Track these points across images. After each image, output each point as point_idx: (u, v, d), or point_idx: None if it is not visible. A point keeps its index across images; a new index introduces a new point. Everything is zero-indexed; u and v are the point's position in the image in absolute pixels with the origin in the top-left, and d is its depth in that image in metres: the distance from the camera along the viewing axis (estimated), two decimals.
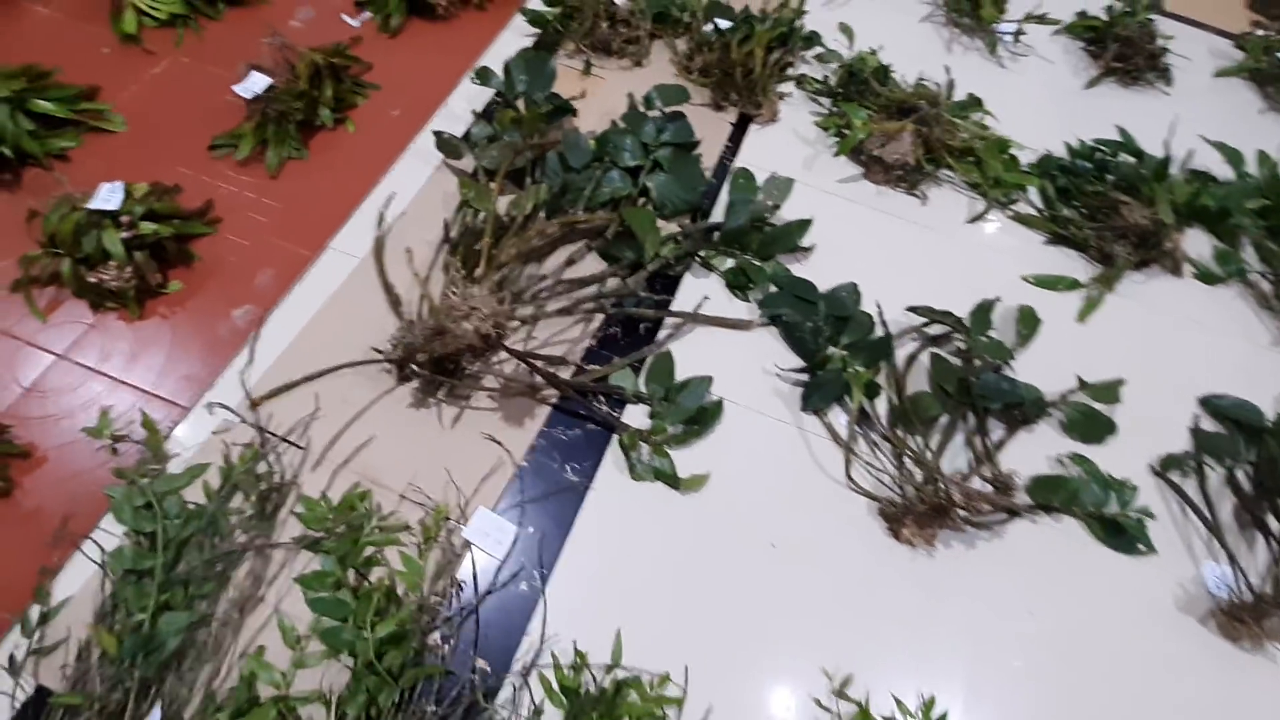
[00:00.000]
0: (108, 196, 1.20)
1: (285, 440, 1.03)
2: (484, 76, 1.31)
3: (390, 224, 1.28)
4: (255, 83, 1.42)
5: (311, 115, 1.46)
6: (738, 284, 1.26)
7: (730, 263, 1.28)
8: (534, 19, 1.60)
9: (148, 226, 1.22)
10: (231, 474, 0.97)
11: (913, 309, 1.25)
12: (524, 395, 1.10)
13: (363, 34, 1.66)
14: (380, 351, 1.01)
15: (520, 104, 1.33)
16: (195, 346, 1.19)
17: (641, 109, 1.38)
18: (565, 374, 1.12)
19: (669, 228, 1.30)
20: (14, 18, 1.60)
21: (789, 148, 1.50)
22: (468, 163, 1.35)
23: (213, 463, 0.99)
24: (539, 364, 1.03)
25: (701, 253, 1.28)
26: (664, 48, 1.63)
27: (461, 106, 1.49)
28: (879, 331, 1.22)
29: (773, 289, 1.24)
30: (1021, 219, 1.45)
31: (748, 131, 1.51)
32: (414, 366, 0.99)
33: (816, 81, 1.60)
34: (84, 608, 0.87)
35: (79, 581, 0.90)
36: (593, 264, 1.26)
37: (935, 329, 1.23)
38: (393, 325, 1.12)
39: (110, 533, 0.95)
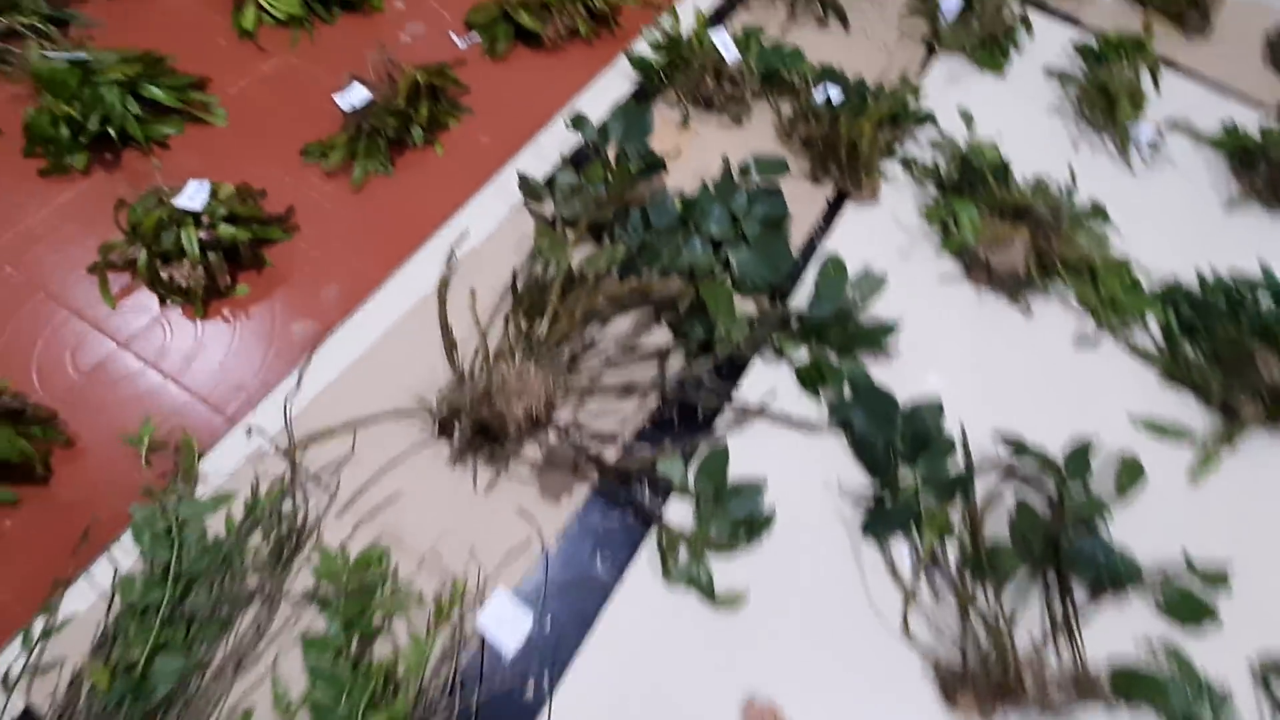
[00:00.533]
0: (193, 195, 1.21)
1: (315, 481, 0.99)
2: (578, 124, 1.26)
3: (459, 261, 1.24)
4: (355, 95, 1.41)
5: (404, 133, 1.45)
6: (810, 379, 1.16)
7: (804, 352, 1.19)
8: (639, 64, 1.56)
9: (226, 229, 1.22)
10: (256, 508, 0.94)
11: (1004, 439, 1.13)
12: (565, 470, 1.03)
13: (467, 56, 1.65)
14: (428, 408, 0.96)
15: (611, 153, 1.27)
16: (251, 356, 1.18)
17: (736, 177, 1.31)
18: (612, 453, 1.05)
19: (746, 304, 1.22)
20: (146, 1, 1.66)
21: (886, 233, 1.40)
22: (548, 207, 1.31)
23: (239, 491, 0.96)
24: (585, 444, 0.97)
25: (775, 336, 1.19)
26: (767, 109, 1.56)
27: (551, 147, 1.45)
28: (959, 454, 1.10)
29: (847, 393, 1.14)
30: (1137, 351, 1.30)
31: (843, 209, 1.42)
32: (457, 426, 0.94)
33: (925, 167, 1.49)
34: (88, 626, 0.85)
35: (90, 597, 0.88)
36: (658, 332, 1.20)
37: (1024, 463, 1.11)
38: (444, 371, 1.07)
39: (128, 550, 0.93)
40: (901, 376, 1.18)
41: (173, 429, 1.07)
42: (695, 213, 1.23)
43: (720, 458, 1.05)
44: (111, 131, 1.36)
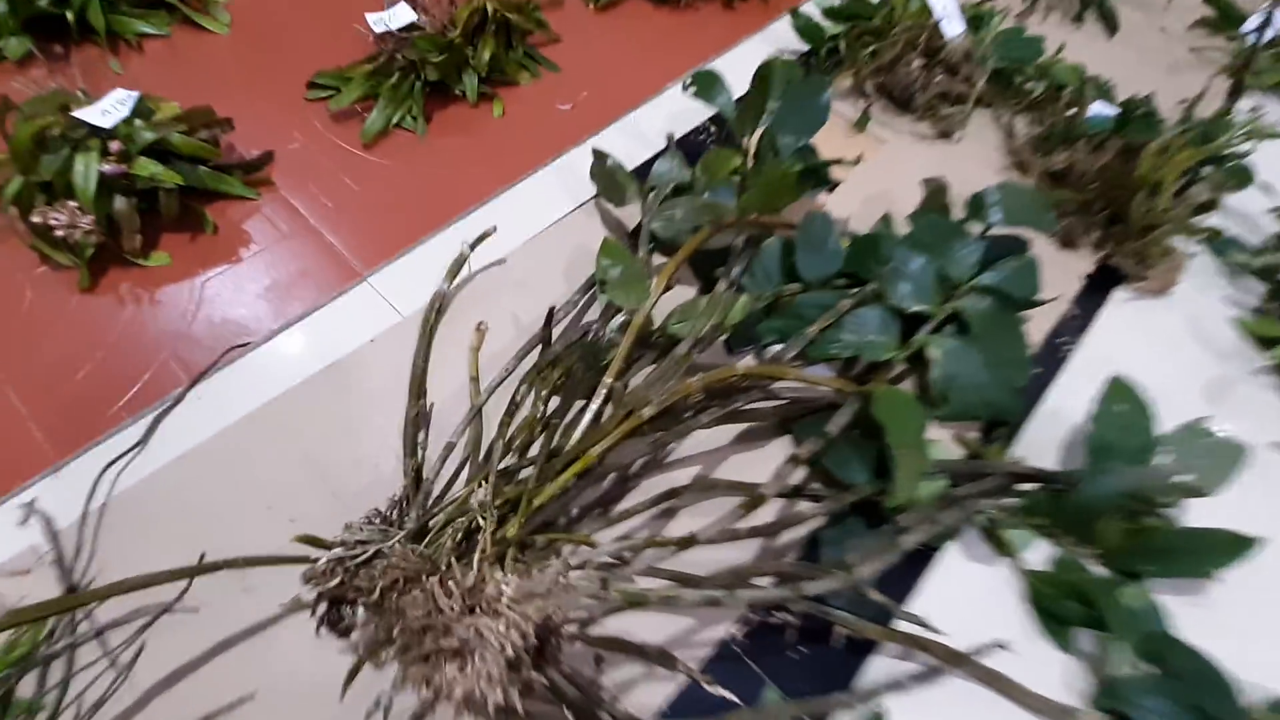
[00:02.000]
0: (109, 109, 0.79)
1: (107, 635, 0.52)
2: (705, 85, 0.76)
3: (470, 276, 0.77)
4: (395, 16, 0.98)
5: (450, 77, 1.01)
6: (1058, 613, 0.61)
7: (1043, 548, 0.64)
8: (806, 29, 1.05)
9: (146, 166, 0.80)
10: None
11: None
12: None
13: None
14: (311, 562, 0.46)
15: (751, 145, 0.77)
16: (124, 366, 0.75)
17: (961, 212, 0.76)
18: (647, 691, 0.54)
19: (940, 442, 0.69)
20: None
21: (1181, 349, 0.83)
22: (630, 214, 0.82)
23: None
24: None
25: (989, 510, 0.65)
26: (989, 123, 1.03)
27: (655, 124, 0.97)
28: None
29: (1129, 658, 0.58)
30: None
31: (1109, 296, 0.87)
32: (354, 611, 0.45)
33: (1244, 250, 0.92)
34: None
35: None
36: (768, 456, 0.68)
37: None
38: (393, 473, 0.60)
39: None
40: (1227, 628, 0.61)
41: None
42: (874, 263, 0.70)
43: None
44: (69, 15, 0.98)
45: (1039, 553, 0.65)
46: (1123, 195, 0.86)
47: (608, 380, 0.56)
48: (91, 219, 0.78)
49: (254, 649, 0.54)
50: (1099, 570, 0.63)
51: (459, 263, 0.74)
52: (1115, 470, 0.62)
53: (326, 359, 0.71)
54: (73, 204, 0.77)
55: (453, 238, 0.82)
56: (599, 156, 0.80)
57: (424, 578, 0.43)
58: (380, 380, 0.68)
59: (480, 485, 0.47)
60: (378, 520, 0.48)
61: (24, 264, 0.81)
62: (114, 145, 0.78)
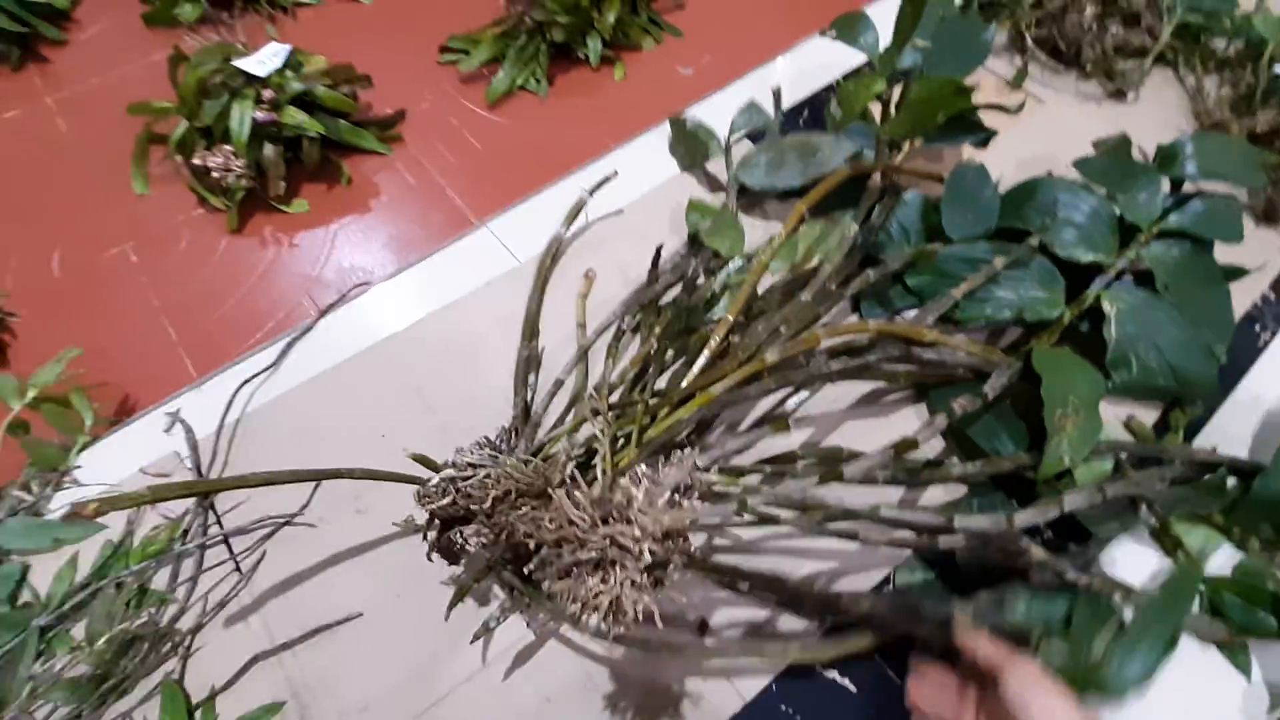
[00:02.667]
0: (265, 59, 0.84)
1: (225, 544, 0.55)
2: (847, 26, 0.70)
3: (587, 224, 0.75)
4: None
5: (574, 40, 1.01)
6: (1247, 623, 0.51)
7: (1231, 555, 0.54)
8: None
9: (294, 115, 0.84)
10: (109, 565, 0.51)
11: None
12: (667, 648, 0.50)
13: None
14: (422, 483, 0.45)
15: (894, 93, 0.70)
16: (263, 302, 0.79)
17: (1140, 158, 0.66)
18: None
19: (1109, 422, 0.60)
20: None
21: None
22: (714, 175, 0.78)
23: (110, 524, 0.55)
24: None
25: (1155, 502, 0.55)
26: (1168, 84, 0.90)
27: (783, 79, 0.92)
28: None
29: None
30: None
31: None
32: (463, 538, 0.44)
33: None
34: None
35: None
36: (891, 425, 0.61)
37: None
38: (504, 400, 0.59)
39: None
40: None
41: (107, 378, 0.70)
42: (1034, 211, 0.62)
43: None
44: None
45: (1222, 559, 0.55)
46: None
47: (729, 316, 0.52)
48: (243, 163, 0.83)
49: (364, 567, 0.54)
50: None
51: (577, 207, 0.73)
52: None
53: (444, 299, 0.71)
54: (228, 148, 0.83)
55: (570, 188, 0.81)
56: (676, 124, 0.76)
57: (550, 490, 0.41)
58: (493, 323, 0.68)
59: (593, 415, 0.45)
60: (487, 447, 0.46)
61: (184, 205, 0.88)
62: (267, 93, 0.83)
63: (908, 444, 0.50)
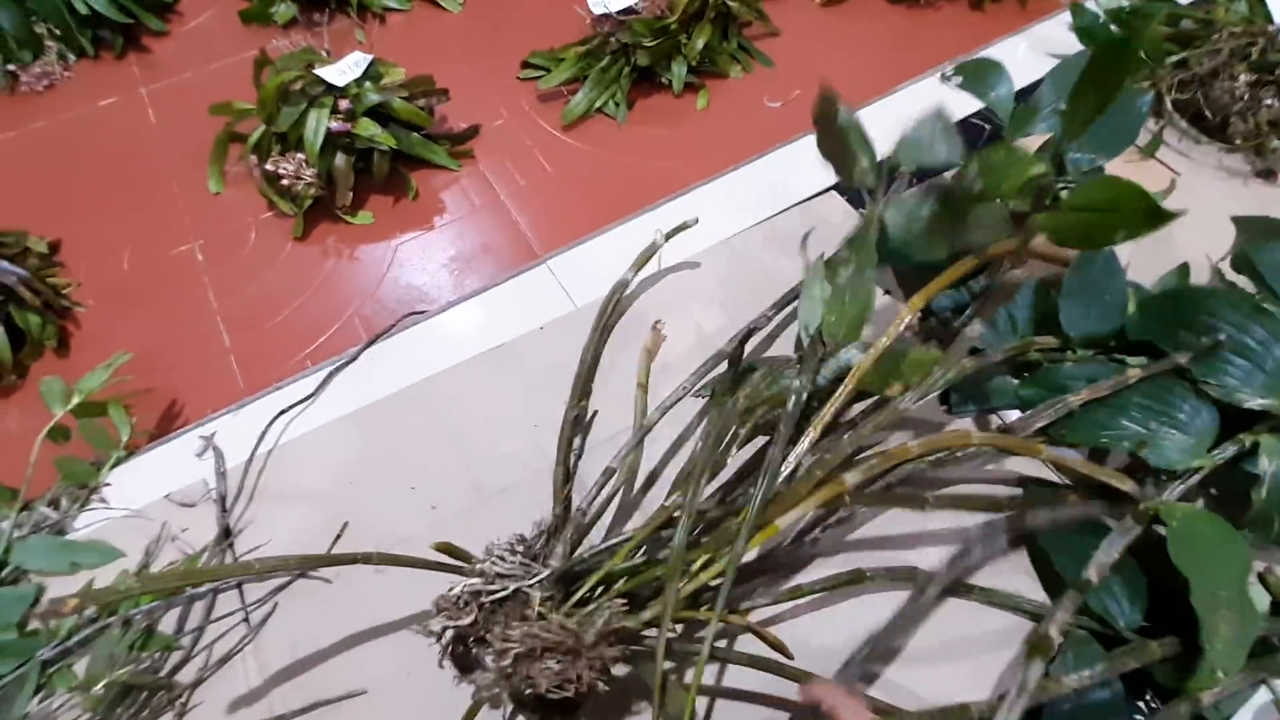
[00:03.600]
0: (345, 69, 0.83)
1: (238, 590, 0.51)
2: (975, 74, 0.60)
3: (657, 272, 0.70)
4: None
5: (659, 64, 0.96)
6: None
7: None
8: (1089, 31, 0.86)
9: (368, 126, 0.82)
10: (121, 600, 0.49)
11: None
12: None
13: None
14: (440, 598, 0.40)
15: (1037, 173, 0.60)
16: (318, 315, 0.77)
17: None
18: None
19: None
20: None
21: None
22: (828, 206, 0.70)
23: (133, 549, 0.53)
24: None
25: None
26: None
27: (881, 127, 0.84)
28: None
29: None
30: None
31: None
32: (482, 653, 0.39)
33: None
34: None
35: None
36: (925, 524, 0.53)
37: None
38: (545, 461, 0.54)
39: None
40: None
41: (156, 383, 0.68)
42: (1185, 328, 0.52)
43: None
44: None
45: None
46: None
47: (812, 433, 0.45)
48: (314, 171, 0.81)
49: (376, 637, 0.50)
50: None
51: (650, 252, 0.67)
52: None
53: (494, 340, 0.67)
54: (300, 156, 0.81)
55: (640, 229, 0.76)
56: (827, 103, 0.59)
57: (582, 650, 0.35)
58: (543, 370, 0.63)
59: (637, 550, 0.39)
60: (521, 550, 0.41)
61: (254, 208, 0.87)
62: (343, 103, 0.81)
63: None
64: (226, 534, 0.53)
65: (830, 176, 0.58)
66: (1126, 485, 0.47)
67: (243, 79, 0.87)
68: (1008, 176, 0.53)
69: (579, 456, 0.55)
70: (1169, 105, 0.81)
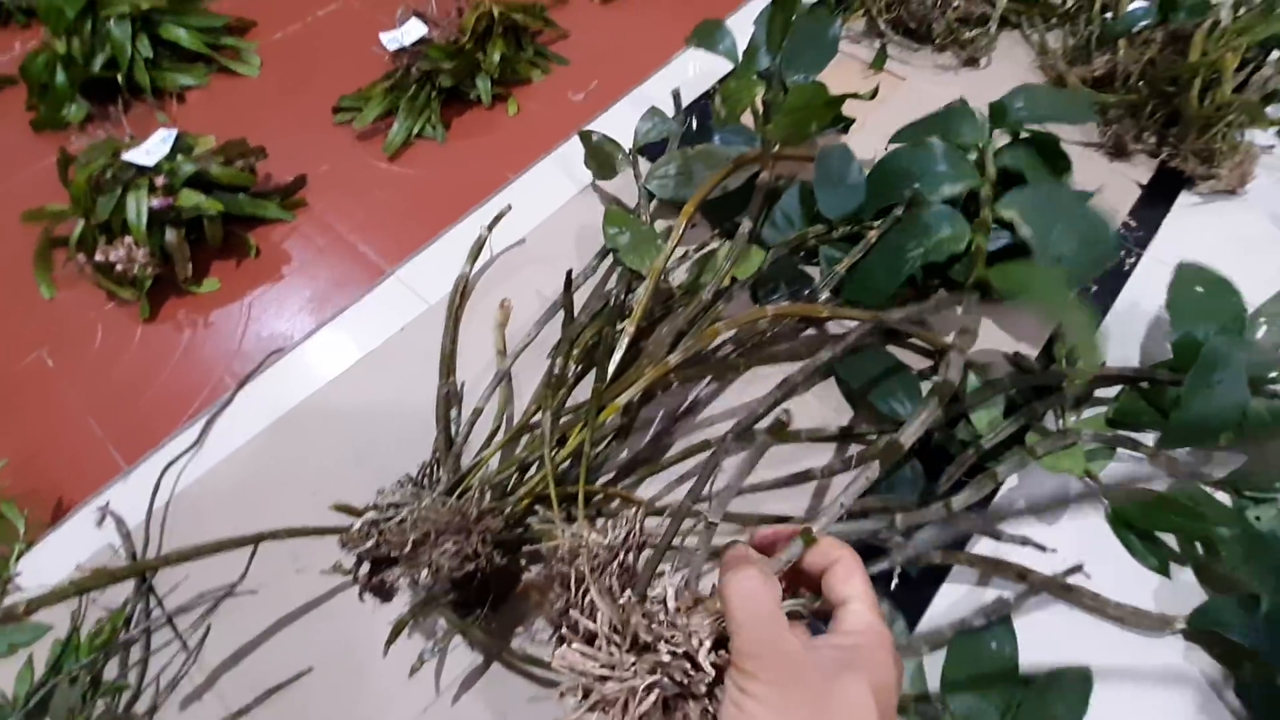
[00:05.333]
0: (152, 148, 0.85)
1: (170, 624, 0.55)
2: (706, 33, 0.74)
3: (492, 258, 0.78)
4: (408, 32, 1.02)
5: (464, 83, 1.04)
6: (1143, 529, 0.56)
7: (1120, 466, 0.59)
8: None
9: (190, 197, 0.85)
10: (63, 660, 0.51)
11: None
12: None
13: None
14: (343, 534, 0.47)
15: (759, 91, 0.74)
16: (185, 384, 0.79)
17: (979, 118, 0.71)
18: None
19: (991, 365, 0.64)
20: None
21: (1264, 248, 0.75)
22: (623, 186, 0.81)
23: (56, 623, 0.55)
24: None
25: (1063, 415, 0.60)
26: (1017, 44, 0.97)
27: (663, 96, 0.96)
28: None
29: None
30: None
31: (1173, 203, 0.79)
32: (393, 579, 0.45)
33: None
34: None
35: None
36: (805, 404, 0.65)
37: None
38: (425, 443, 0.60)
39: None
40: None
41: (38, 484, 0.69)
42: (901, 178, 0.66)
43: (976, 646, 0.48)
44: (120, 78, 1.07)
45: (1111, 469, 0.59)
46: (1175, 90, 0.79)
47: (628, 328, 0.55)
48: (146, 252, 0.83)
49: (310, 625, 0.55)
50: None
51: (478, 245, 0.75)
52: (1225, 358, 0.54)
53: (361, 350, 0.73)
54: (129, 240, 0.83)
55: (471, 227, 0.84)
56: (586, 138, 0.80)
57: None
58: (413, 365, 0.69)
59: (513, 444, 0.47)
60: (409, 484, 0.48)
61: (95, 302, 0.88)
62: (159, 180, 0.84)
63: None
64: (143, 579, 0.56)
65: None
66: (878, 315, 0.59)
67: (49, 184, 0.88)
68: (740, 100, 0.65)
69: (457, 425, 0.62)
70: (883, 25, 0.97)
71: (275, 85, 1.13)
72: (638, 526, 0.37)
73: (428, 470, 0.50)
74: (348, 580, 0.47)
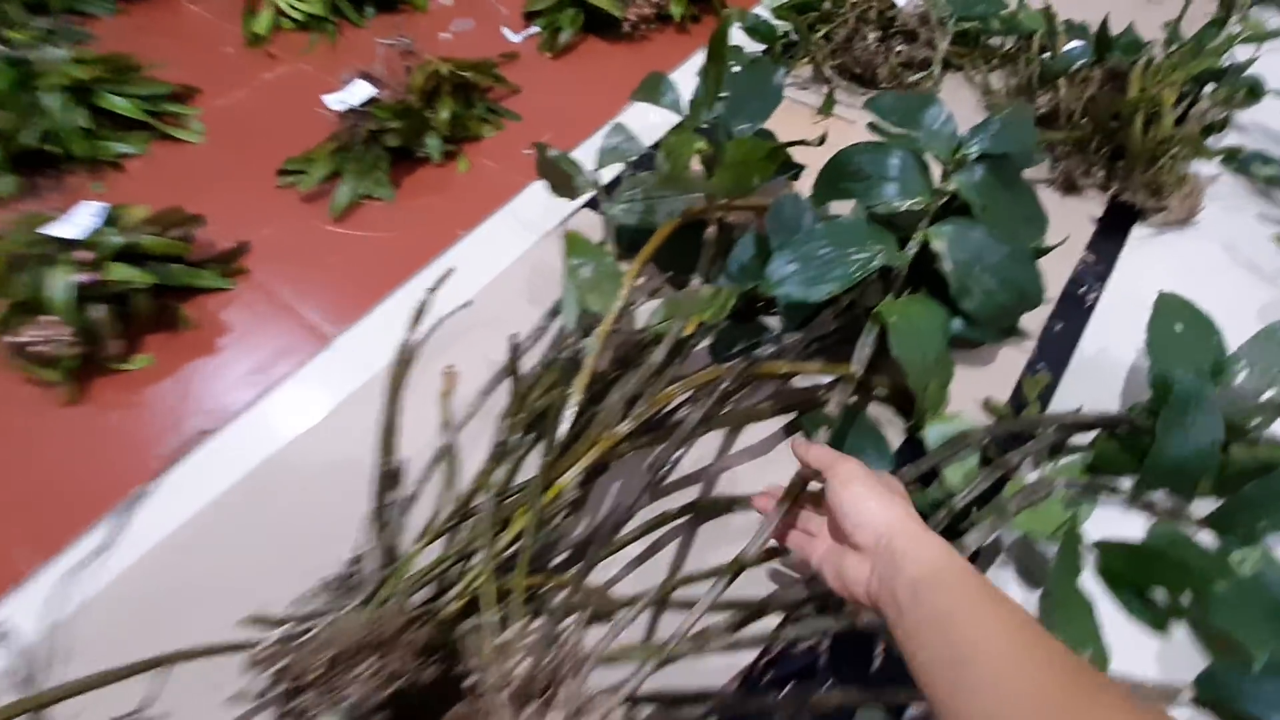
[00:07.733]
0: (78, 220, 0.81)
1: None
2: (649, 88, 0.73)
3: (439, 322, 0.74)
4: (354, 93, 1.00)
5: (412, 142, 1.02)
6: (1150, 593, 0.52)
7: (1107, 515, 0.56)
8: (756, 29, 1.04)
9: (120, 271, 0.81)
10: None
11: None
12: None
13: (521, 50, 1.23)
14: (251, 652, 0.41)
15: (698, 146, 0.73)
16: (114, 472, 0.73)
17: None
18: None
19: (963, 414, 0.61)
20: (164, 12, 1.40)
21: (1221, 276, 0.75)
22: (583, 222, 0.79)
23: None
24: None
25: (1042, 464, 0.57)
26: (962, 85, 0.98)
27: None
28: None
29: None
30: None
31: (1130, 237, 0.79)
32: (305, 709, 0.40)
33: (1270, 161, 0.84)
34: None
35: None
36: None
37: None
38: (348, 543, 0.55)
39: None
40: None
41: None
42: (850, 181, 0.64)
43: None
44: (56, 149, 1.03)
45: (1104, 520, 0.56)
46: (1119, 126, 0.80)
47: (575, 395, 0.51)
48: (69, 331, 0.78)
49: None
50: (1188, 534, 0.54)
51: (420, 309, 0.71)
52: (1197, 399, 0.52)
53: (299, 425, 0.68)
54: (49, 319, 0.78)
55: (416, 290, 0.80)
56: (540, 149, 0.77)
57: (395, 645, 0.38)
58: (351, 444, 0.65)
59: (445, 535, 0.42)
60: (334, 587, 0.43)
61: (11, 389, 0.82)
62: (83, 255, 0.79)
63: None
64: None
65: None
66: (839, 368, 0.57)
67: None
68: (680, 155, 0.64)
69: (395, 511, 0.57)
70: (827, 71, 0.98)
71: (218, 151, 1.10)
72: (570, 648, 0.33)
73: (352, 570, 0.45)
74: (237, 696, 0.41)
